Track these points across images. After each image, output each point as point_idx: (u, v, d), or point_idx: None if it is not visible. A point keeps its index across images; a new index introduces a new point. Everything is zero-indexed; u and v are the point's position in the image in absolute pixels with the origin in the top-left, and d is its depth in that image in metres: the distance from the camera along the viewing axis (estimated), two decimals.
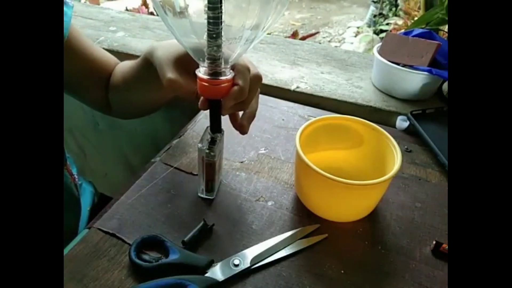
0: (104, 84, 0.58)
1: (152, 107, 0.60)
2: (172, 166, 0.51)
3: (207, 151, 0.42)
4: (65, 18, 0.50)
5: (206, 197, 0.46)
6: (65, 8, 0.50)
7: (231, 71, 0.38)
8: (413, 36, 0.68)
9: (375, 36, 3.07)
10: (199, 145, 0.42)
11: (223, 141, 0.44)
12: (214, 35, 0.34)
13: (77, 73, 0.55)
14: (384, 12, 3.46)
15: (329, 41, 3.74)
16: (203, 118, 0.61)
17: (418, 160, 0.56)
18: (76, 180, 0.65)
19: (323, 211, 0.45)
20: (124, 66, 0.56)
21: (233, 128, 0.45)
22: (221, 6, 0.32)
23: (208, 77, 0.37)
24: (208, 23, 0.33)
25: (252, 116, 0.44)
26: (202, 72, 0.37)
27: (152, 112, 0.61)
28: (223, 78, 0.37)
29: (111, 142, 0.98)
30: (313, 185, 0.43)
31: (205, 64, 0.37)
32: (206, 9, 0.32)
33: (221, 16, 0.33)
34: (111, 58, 0.59)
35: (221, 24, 0.34)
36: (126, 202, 0.45)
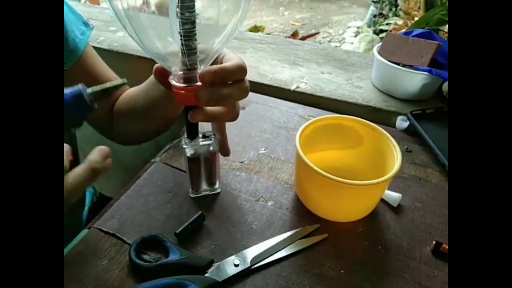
0: (110, 106, 0.58)
1: (156, 130, 0.58)
2: (172, 166, 0.51)
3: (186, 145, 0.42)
4: (83, 37, 0.53)
5: (192, 195, 0.47)
6: (84, 28, 0.54)
7: None
8: (413, 36, 0.68)
9: (375, 36, 3.07)
10: (182, 142, 0.42)
11: (216, 145, 0.43)
12: (189, 38, 0.33)
13: None
14: (384, 12, 3.46)
15: (329, 41, 3.74)
16: None
17: (418, 160, 0.56)
18: None
19: (323, 211, 0.45)
20: (131, 91, 0.57)
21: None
22: (193, 10, 0.31)
23: (183, 84, 0.36)
24: (183, 23, 0.32)
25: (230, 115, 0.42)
26: (176, 79, 0.36)
27: (151, 138, 0.60)
28: (199, 83, 0.36)
29: (111, 142, 0.98)
30: (313, 185, 0.43)
31: (180, 71, 0.35)
32: (180, 10, 0.31)
33: (195, 18, 0.32)
34: None
35: (195, 28, 0.32)
36: (126, 202, 0.46)
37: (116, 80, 0.32)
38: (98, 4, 2.72)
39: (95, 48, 0.61)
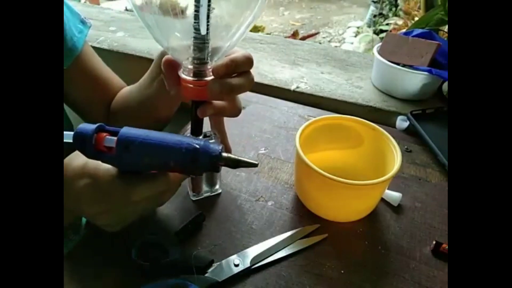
0: (107, 105, 0.58)
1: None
2: None
3: None
4: (80, 35, 0.53)
5: (194, 198, 0.47)
6: (82, 27, 0.54)
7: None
8: (413, 36, 0.68)
9: (375, 36, 3.07)
10: None
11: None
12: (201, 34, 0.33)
13: (82, 89, 0.55)
14: (384, 12, 3.46)
15: (329, 41, 3.74)
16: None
17: (418, 160, 0.56)
18: None
19: (323, 211, 0.45)
20: (127, 89, 0.57)
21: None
22: (209, 4, 0.32)
23: (193, 78, 0.36)
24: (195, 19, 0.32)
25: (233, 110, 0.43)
26: (186, 73, 0.36)
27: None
28: (208, 78, 0.36)
29: None
30: (313, 185, 0.43)
31: (190, 65, 0.36)
32: (196, 3, 0.31)
33: (209, 13, 0.32)
34: (119, 82, 0.59)
35: (209, 22, 0.33)
36: None
37: (251, 160, 0.33)
38: (98, 4, 2.72)
39: (95, 48, 0.61)
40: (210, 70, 0.36)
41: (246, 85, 0.38)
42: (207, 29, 0.33)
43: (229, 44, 0.36)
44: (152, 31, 0.35)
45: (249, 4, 0.34)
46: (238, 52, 0.37)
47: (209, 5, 0.32)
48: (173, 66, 0.37)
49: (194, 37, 0.34)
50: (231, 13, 0.35)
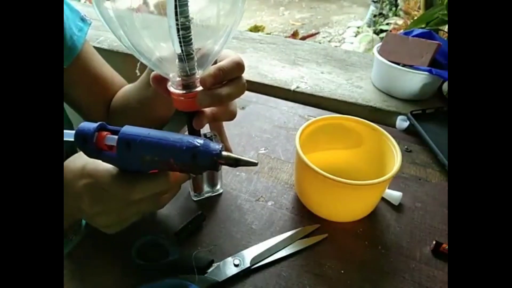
0: (107, 104, 0.58)
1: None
2: None
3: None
4: (81, 34, 0.53)
5: (195, 198, 0.47)
6: (82, 24, 0.54)
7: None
8: (413, 36, 0.68)
9: (375, 36, 3.07)
10: None
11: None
12: (186, 43, 0.32)
13: (82, 88, 0.55)
14: (384, 12, 3.45)
15: (329, 41, 3.73)
16: None
17: (418, 160, 0.56)
18: None
19: (323, 211, 0.45)
20: (126, 88, 0.56)
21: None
22: (187, 15, 0.31)
23: (182, 91, 0.35)
24: (177, 30, 0.31)
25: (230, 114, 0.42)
26: (175, 86, 0.35)
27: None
28: (198, 89, 0.35)
29: None
30: (313, 185, 0.43)
31: (178, 77, 0.35)
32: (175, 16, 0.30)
33: (189, 24, 0.31)
34: (120, 80, 0.59)
35: (190, 33, 0.32)
36: None
37: (251, 159, 0.32)
38: None
39: (95, 48, 0.61)
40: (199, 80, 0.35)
41: (237, 92, 0.36)
42: (189, 40, 0.32)
43: (216, 49, 0.35)
44: (130, 47, 0.34)
45: (232, 7, 0.33)
46: (228, 58, 0.36)
47: (187, 16, 0.31)
48: (162, 80, 0.36)
49: (179, 50, 0.32)
50: (215, 18, 0.34)
